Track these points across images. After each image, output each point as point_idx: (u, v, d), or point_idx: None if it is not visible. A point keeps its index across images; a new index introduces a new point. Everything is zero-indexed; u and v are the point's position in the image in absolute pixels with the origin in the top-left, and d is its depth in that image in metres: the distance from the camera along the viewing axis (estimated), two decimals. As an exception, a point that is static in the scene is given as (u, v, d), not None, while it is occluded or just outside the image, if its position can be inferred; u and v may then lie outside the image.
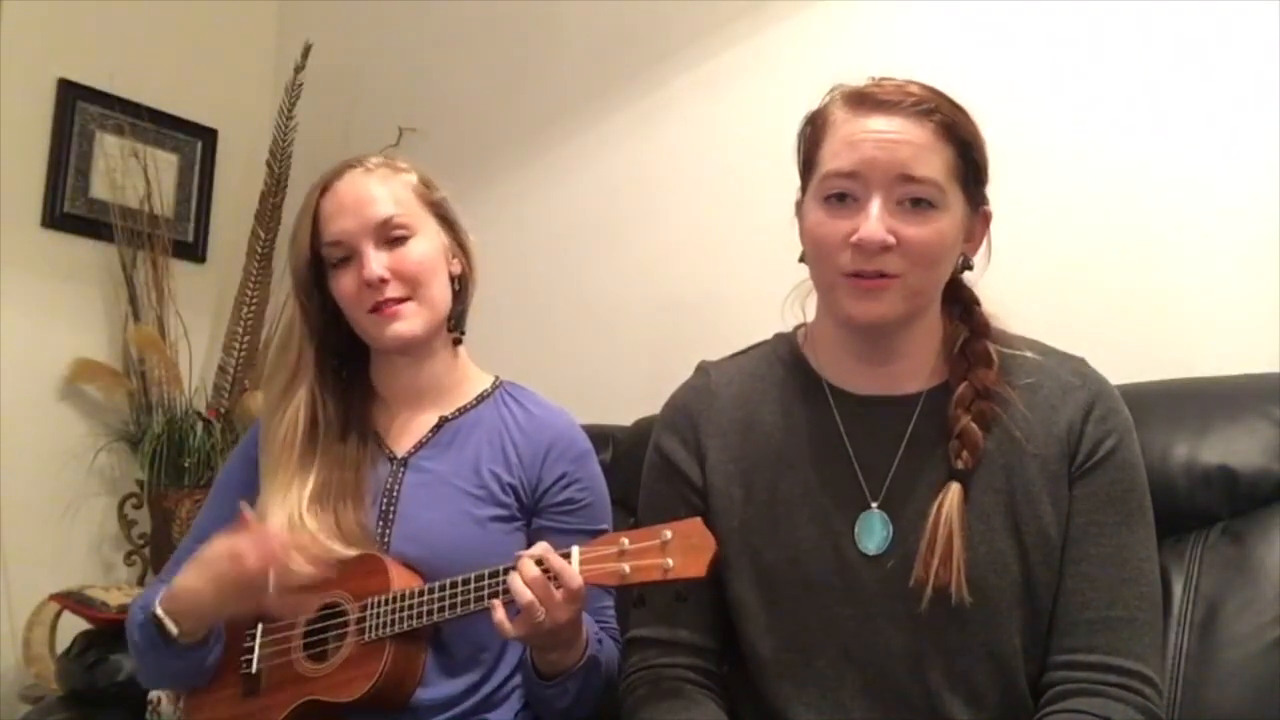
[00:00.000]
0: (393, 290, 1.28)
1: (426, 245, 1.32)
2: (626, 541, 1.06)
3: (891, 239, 1.03)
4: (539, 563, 1.08)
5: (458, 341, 1.40)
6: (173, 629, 1.21)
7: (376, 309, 1.28)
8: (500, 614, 1.10)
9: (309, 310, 1.33)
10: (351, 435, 1.33)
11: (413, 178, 1.36)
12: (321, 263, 1.32)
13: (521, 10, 2.32)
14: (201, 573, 1.19)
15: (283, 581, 1.15)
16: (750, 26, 1.96)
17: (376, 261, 1.27)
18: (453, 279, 1.35)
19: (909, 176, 1.04)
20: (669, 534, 1.04)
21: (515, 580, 1.08)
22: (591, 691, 1.22)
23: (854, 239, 1.04)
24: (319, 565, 1.18)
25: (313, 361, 1.32)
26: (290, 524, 1.24)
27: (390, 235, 1.29)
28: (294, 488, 1.27)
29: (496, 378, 1.43)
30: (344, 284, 1.29)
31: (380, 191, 1.31)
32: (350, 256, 1.29)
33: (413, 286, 1.29)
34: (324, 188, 1.32)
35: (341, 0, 2.66)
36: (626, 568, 1.05)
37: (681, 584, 1.04)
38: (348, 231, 1.28)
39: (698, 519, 1.06)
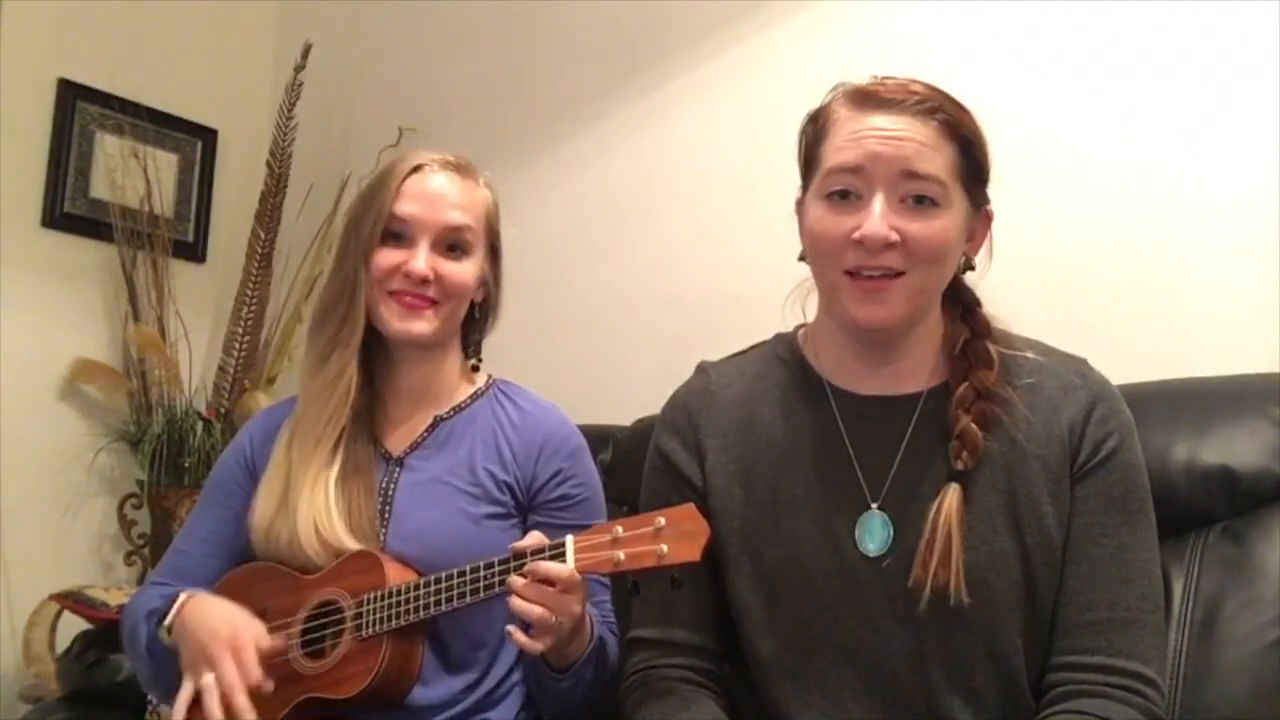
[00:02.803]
0: (428, 291, 1.29)
1: (472, 268, 1.33)
2: (620, 529, 1.06)
3: (895, 236, 1.03)
4: (530, 574, 1.08)
5: (475, 369, 1.41)
6: (169, 620, 1.24)
7: (399, 296, 1.29)
8: (521, 636, 1.10)
9: (368, 272, 1.31)
10: (361, 431, 1.33)
11: (491, 200, 1.38)
12: None
13: (521, 10, 2.32)
14: (220, 616, 1.20)
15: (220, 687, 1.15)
16: (750, 26, 1.96)
17: (427, 259, 1.29)
18: (473, 305, 1.37)
19: (912, 173, 1.03)
20: (662, 520, 1.05)
21: (520, 604, 1.08)
22: (604, 673, 1.23)
23: (856, 235, 1.04)
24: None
25: (361, 329, 1.31)
26: (313, 503, 1.25)
27: (451, 242, 1.31)
28: (325, 468, 1.28)
29: (490, 375, 1.43)
30: (383, 257, 1.30)
31: (465, 200, 1.33)
32: (403, 237, 1.30)
33: (445, 297, 1.31)
34: (418, 167, 1.33)
35: (341, 0, 2.66)
36: (621, 555, 1.05)
37: (676, 570, 1.04)
38: (419, 218, 1.30)
39: (690, 505, 1.06)
